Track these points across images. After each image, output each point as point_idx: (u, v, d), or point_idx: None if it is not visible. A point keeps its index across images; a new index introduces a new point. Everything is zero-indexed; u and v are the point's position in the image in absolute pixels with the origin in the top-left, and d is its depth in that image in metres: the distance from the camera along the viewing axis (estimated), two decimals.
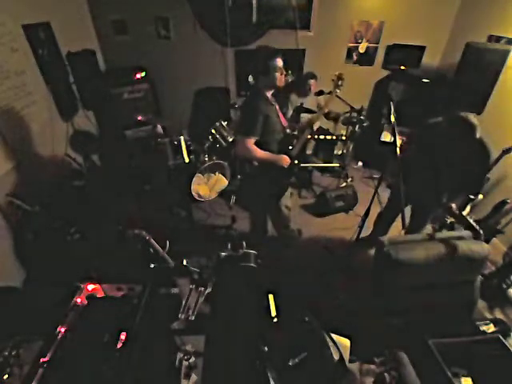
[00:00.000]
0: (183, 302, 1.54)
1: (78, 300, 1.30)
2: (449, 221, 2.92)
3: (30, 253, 2.20)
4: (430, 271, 1.65)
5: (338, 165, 3.71)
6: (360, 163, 4.20)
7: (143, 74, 3.41)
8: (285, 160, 1.98)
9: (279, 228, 2.43)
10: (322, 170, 4.00)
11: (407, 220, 1.87)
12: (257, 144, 1.88)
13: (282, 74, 1.83)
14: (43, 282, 2.16)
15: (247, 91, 3.84)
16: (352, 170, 4.00)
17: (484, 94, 2.77)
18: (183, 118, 4.15)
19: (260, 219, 2.50)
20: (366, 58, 3.76)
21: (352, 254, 2.57)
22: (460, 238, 1.74)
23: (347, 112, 3.51)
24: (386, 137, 3.76)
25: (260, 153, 1.90)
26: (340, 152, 3.97)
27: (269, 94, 1.90)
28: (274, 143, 1.98)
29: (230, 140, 3.19)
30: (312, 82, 3.37)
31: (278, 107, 2.01)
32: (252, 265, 2.13)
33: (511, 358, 1.46)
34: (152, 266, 1.76)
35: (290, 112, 3.36)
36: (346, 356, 1.37)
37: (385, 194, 2.81)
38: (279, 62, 1.79)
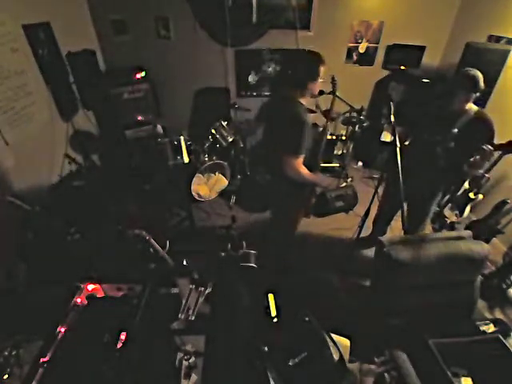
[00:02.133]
0: (183, 302, 1.54)
1: (78, 300, 1.30)
2: (449, 221, 2.92)
3: (30, 253, 2.20)
4: (429, 271, 1.65)
5: (337, 165, 3.72)
6: (360, 163, 4.20)
7: (143, 74, 3.41)
8: (322, 179, 1.96)
9: (289, 230, 2.41)
10: (322, 169, 4.00)
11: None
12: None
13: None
14: (43, 281, 2.16)
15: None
16: (352, 169, 4.01)
17: (484, 94, 2.77)
18: (183, 118, 4.15)
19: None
20: (366, 58, 3.76)
21: (352, 253, 2.58)
22: (460, 238, 1.74)
23: (347, 112, 3.51)
24: (386, 137, 3.76)
25: (308, 173, 1.82)
26: (340, 152, 3.97)
27: (304, 102, 1.79)
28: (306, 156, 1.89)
29: (230, 140, 3.20)
30: None
31: None
32: (252, 265, 2.13)
33: (511, 358, 1.46)
34: (152, 265, 1.76)
35: None
36: (346, 356, 1.37)
37: None
38: (324, 68, 1.72)
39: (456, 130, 1.83)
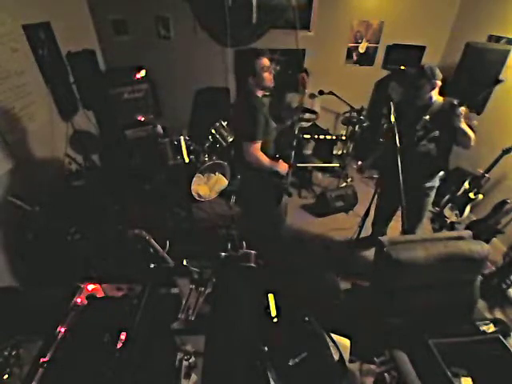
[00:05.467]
0: (183, 302, 1.54)
1: (78, 300, 1.30)
2: (449, 221, 2.92)
3: (29, 253, 2.20)
4: (430, 271, 1.65)
5: (338, 165, 3.72)
6: (360, 163, 4.20)
7: (143, 73, 3.41)
8: (284, 167, 2.03)
9: (273, 228, 2.43)
10: (322, 169, 4.00)
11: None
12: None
13: (270, 74, 1.83)
14: (43, 281, 2.16)
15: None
16: (352, 169, 4.01)
17: (484, 94, 2.77)
18: (183, 118, 4.15)
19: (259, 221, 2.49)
20: (366, 58, 3.76)
21: (352, 254, 2.57)
22: (460, 238, 1.74)
23: (347, 112, 3.51)
24: None
25: (266, 159, 1.92)
26: (340, 152, 3.97)
27: (260, 94, 1.90)
28: (270, 144, 1.99)
29: (230, 140, 3.19)
30: (302, 75, 3.37)
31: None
32: (252, 265, 2.13)
33: (511, 358, 1.45)
34: (152, 265, 1.76)
35: (286, 111, 3.38)
36: (346, 356, 1.37)
37: None
38: (266, 62, 1.80)
39: (427, 117, 1.94)
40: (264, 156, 1.91)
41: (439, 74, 1.88)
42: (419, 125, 1.99)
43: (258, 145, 1.86)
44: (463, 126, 1.80)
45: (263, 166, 1.94)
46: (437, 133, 1.95)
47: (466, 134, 1.82)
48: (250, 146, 1.85)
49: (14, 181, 2.30)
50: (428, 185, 2.17)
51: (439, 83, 1.90)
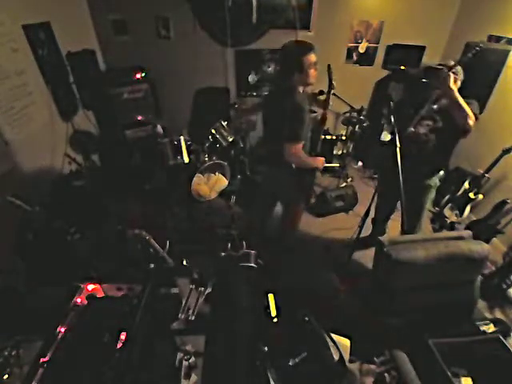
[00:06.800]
0: (183, 302, 1.54)
1: (78, 300, 1.30)
2: (449, 221, 2.92)
3: (29, 253, 2.20)
4: (430, 271, 1.65)
5: (338, 165, 3.72)
6: (360, 163, 4.20)
7: (143, 74, 3.41)
8: (321, 162, 1.99)
9: (289, 229, 2.43)
10: (322, 169, 4.00)
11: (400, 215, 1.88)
12: None
13: (315, 70, 1.78)
14: (43, 282, 2.16)
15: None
16: (352, 169, 4.00)
17: (484, 94, 2.77)
18: (183, 118, 4.15)
19: (266, 220, 2.50)
20: (366, 58, 3.76)
21: (352, 254, 2.57)
22: (460, 238, 1.74)
23: (347, 112, 3.51)
24: (386, 137, 3.76)
25: (307, 158, 1.89)
26: (340, 152, 3.97)
27: (302, 91, 1.84)
28: (307, 142, 1.95)
29: (230, 140, 3.19)
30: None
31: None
32: (252, 265, 2.13)
33: (511, 358, 1.45)
34: (152, 265, 1.76)
35: None
36: (346, 356, 1.37)
37: None
38: (313, 58, 1.75)
39: (435, 106, 1.93)
40: (305, 154, 1.87)
41: (462, 74, 1.88)
42: (424, 110, 1.94)
43: (301, 145, 1.80)
44: (455, 91, 1.76)
45: (304, 164, 1.90)
46: (440, 124, 1.92)
47: (458, 103, 1.75)
48: (293, 147, 1.78)
49: (14, 181, 2.30)
50: (426, 183, 2.16)
51: (459, 82, 1.87)
